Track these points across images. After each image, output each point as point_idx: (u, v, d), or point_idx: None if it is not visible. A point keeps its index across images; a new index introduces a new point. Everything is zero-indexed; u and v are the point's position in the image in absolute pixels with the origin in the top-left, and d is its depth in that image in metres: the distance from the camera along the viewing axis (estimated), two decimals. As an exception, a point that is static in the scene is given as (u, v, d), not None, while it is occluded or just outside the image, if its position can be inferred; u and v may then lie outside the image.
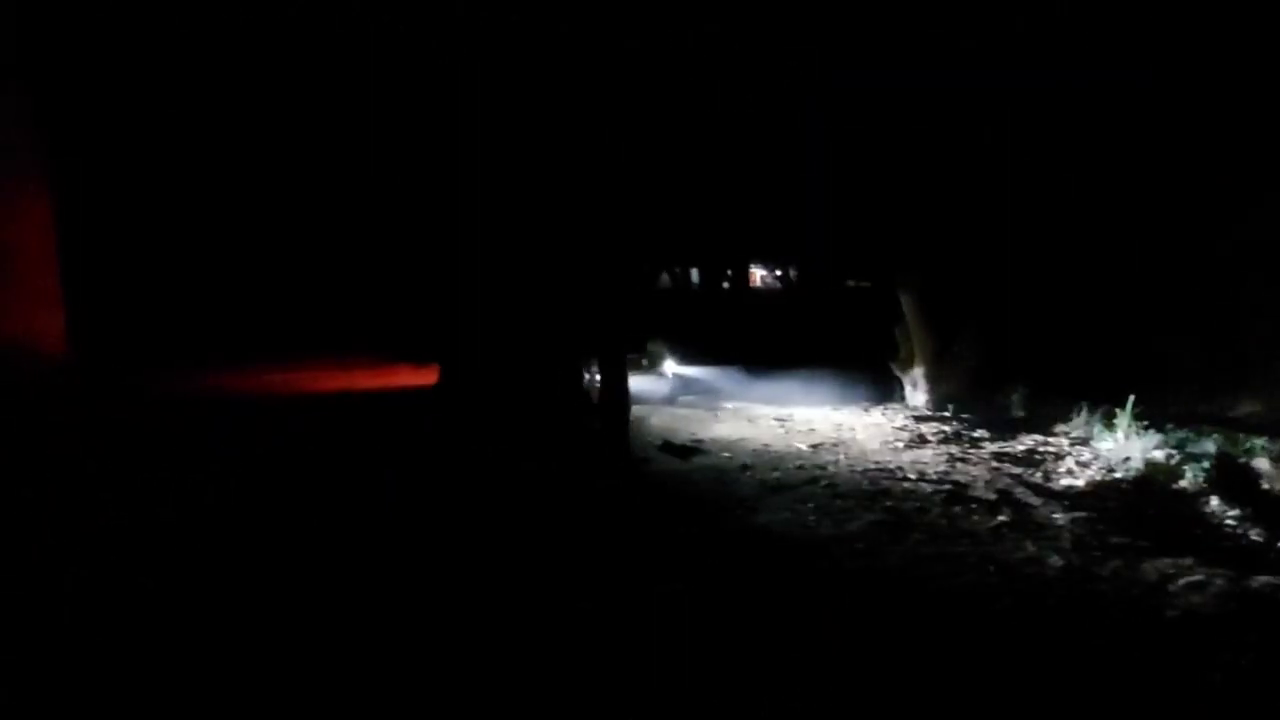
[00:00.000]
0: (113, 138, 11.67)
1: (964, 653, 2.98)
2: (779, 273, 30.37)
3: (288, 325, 14.39)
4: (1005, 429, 7.25)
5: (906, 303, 8.74)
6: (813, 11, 8.29)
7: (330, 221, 13.77)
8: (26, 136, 8.72)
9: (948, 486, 5.30)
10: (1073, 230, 8.67)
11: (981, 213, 8.46)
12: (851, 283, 25.41)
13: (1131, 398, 6.50)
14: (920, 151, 8.67)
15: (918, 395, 8.65)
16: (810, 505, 4.98)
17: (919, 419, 7.80)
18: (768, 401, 8.93)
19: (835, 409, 8.45)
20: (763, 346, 12.80)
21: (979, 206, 8.42)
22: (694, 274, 17.35)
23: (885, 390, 9.27)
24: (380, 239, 12.94)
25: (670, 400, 9.11)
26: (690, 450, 6.61)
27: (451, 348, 11.46)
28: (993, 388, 8.15)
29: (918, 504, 4.94)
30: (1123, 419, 6.49)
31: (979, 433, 7.12)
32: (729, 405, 8.83)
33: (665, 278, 16.66)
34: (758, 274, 22.81)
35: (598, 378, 6.94)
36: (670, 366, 10.57)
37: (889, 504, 4.97)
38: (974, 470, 5.76)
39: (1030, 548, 4.11)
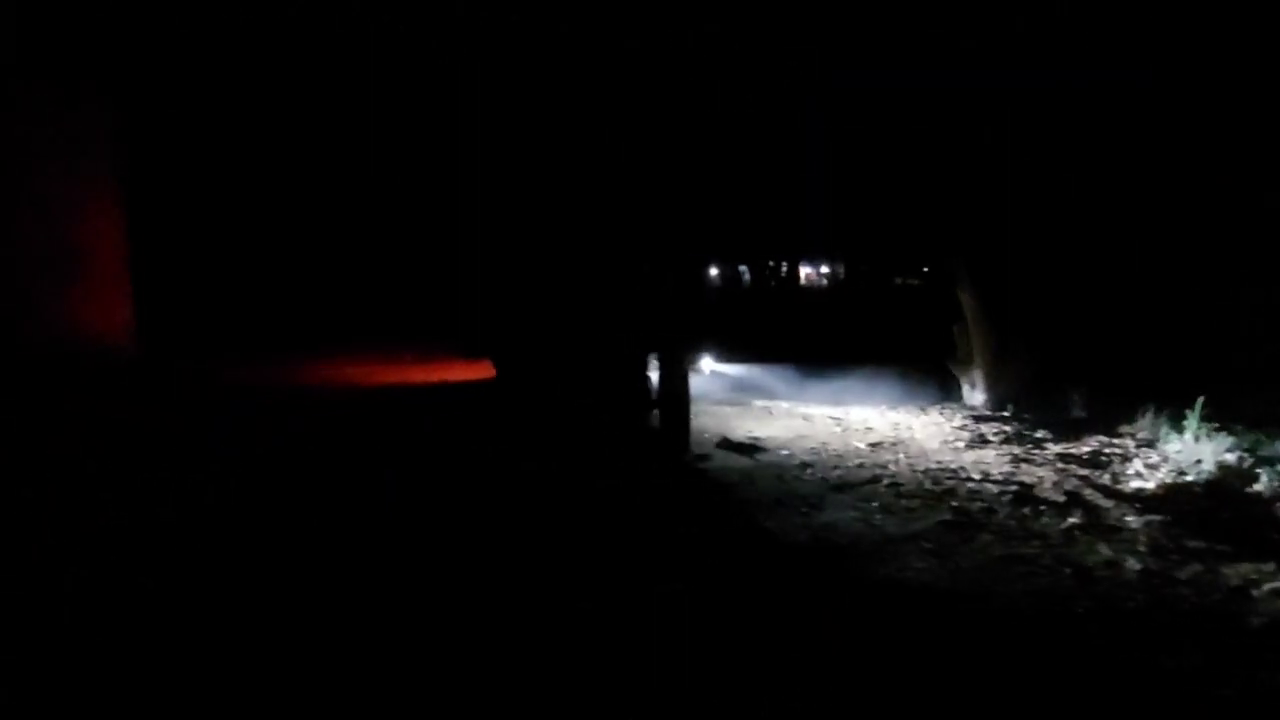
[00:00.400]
0: (175, 146, 12.05)
1: (1050, 657, 2.96)
2: (824, 269, 30.20)
3: (341, 320, 14.64)
4: (1067, 430, 7.13)
5: (965, 301, 8.63)
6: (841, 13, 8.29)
7: (387, 220, 14.02)
8: (104, 146, 9.04)
9: (1014, 487, 5.24)
10: (1136, 228, 8.51)
11: (1042, 211, 8.34)
12: (899, 280, 25.17)
13: (1201, 399, 6.37)
14: (977, 150, 8.58)
15: (975, 395, 8.54)
16: (875, 504, 4.97)
17: (978, 419, 7.72)
18: (821, 400, 8.88)
19: (891, 408, 8.38)
20: (813, 344, 12.75)
21: (1039, 205, 8.30)
22: (743, 271, 17.31)
23: (941, 389, 9.16)
24: (439, 236, 13.15)
25: (721, 399, 9.11)
26: (749, 448, 6.63)
27: (506, 343, 11.60)
28: (1053, 388, 8.02)
29: (984, 504, 4.90)
30: (1191, 421, 6.35)
31: (1040, 433, 7.02)
32: (782, 404, 8.80)
33: (714, 275, 16.68)
34: (804, 271, 22.72)
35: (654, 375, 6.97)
36: (708, 364, 10.48)
37: (955, 504, 4.93)
38: (1039, 471, 5.69)
39: (1105, 551, 4.06)
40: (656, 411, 6.98)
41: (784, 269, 17.20)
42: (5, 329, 7.40)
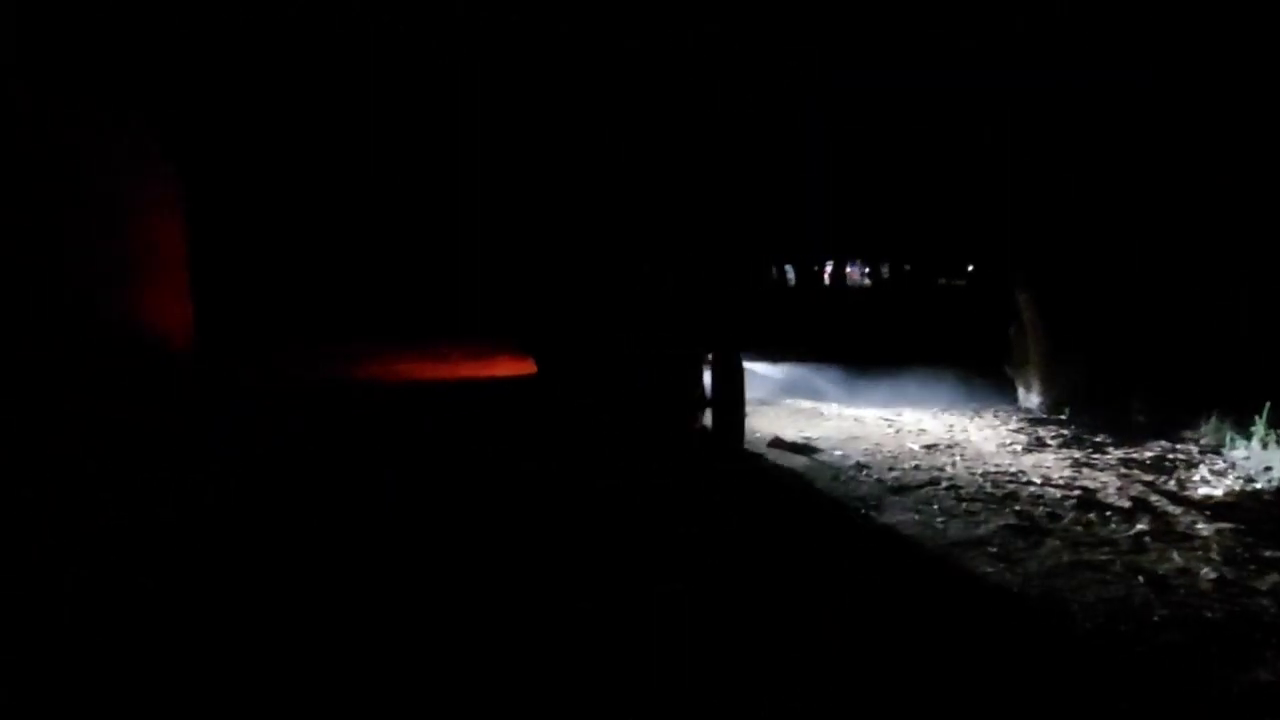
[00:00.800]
0: (226, 150, 12.40)
1: (1129, 665, 2.92)
2: (867, 269, 29.89)
3: (388, 317, 14.86)
4: (1128, 434, 7.00)
5: (1022, 302, 8.50)
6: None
7: (436, 219, 14.20)
8: (158, 152, 9.35)
9: (1077, 492, 5.16)
10: (1195, 228, 8.31)
11: (1099, 210, 8.18)
12: (943, 280, 24.81)
13: (1268, 405, 6.22)
14: (1035, 149, 8.44)
15: (1031, 398, 8.41)
16: (935, 507, 4.92)
17: (1034, 421, 7.61)
18: (871, 402, 8.83)
19: (943, 410, 8.29)
20: (860, 345, 12.65)
21: (1098, 205, 8.14)
22: (788, 270, 17.23)
23: (994, 392, 9.03)
24: (487, 235, 13.29)
25: (769, 399, 9.09)
26: (802, 448, 6.60)
27: (549, 341, 11.71)
28: (1112, 391, 7.86)
29: (1048, 509, 4.83)
30: (1259, 427, 6.21)
31: (1100, 437, 6.90)
32: (832, 405, 8.76)
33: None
34: (848, 271, 22.52)
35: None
36: (754, 364, 10.42)
37: (1017, 508, 4.87)
38: (1102, 476, 5.59)
39: (1177, 558, 3.98)
40: (708, 411, 7.00)
41: (829, 268, 17.07)
42: (72, 326, 7.68)
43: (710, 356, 6.52)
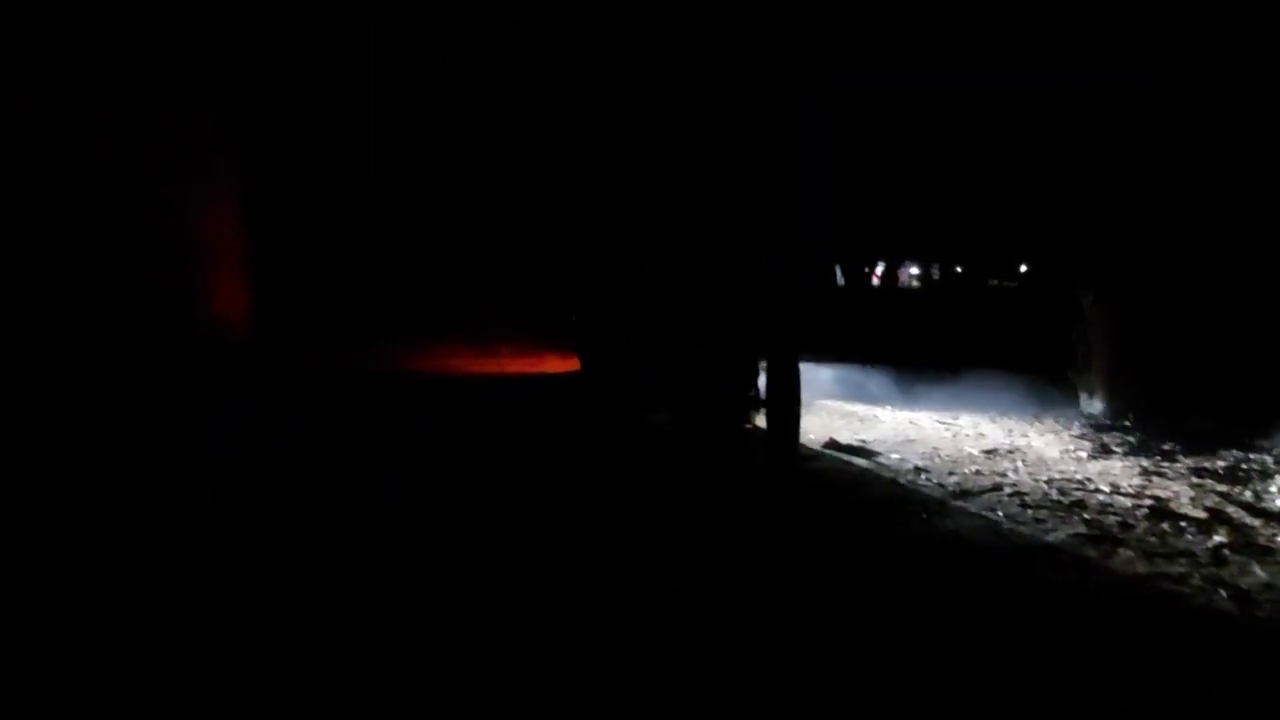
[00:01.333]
0: (283, 157, 12.77)
1: (1218, 682, 2.80)
2: (916, 270, 29.40)
3: (438, 314, 15.05)
4: (1197, 442, 6.75)
5: (1087, 306, 8.28)
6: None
7: (482, 218, 14.39)
8: (222, 155, 9.81)
9: (1148, 501, 5.00)
10: (1270, 230, 8.02)
11: (1170, 211, 7.93)
12: (994, 281, 24.29)
13: (1350, 415, 5.97)
14: (1101, 147, 8.22)
15: (1093, 403, 8.18)
16: (999, 513, 4.81)
17: (1097, 428, 7.40)
18: (926, 405, 8.69)
19: (1001, 414, 8.13)
20: (912, 347, 12.44)
21: (1167, 204, 7.90)
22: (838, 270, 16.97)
23: (1052, 397, 8.80)
24: (535, 231, 13.40)
25: (820, 400, 8.98)
26: (857, 450, 6.51)
27: (593, 339, 11.76)
28: (1180, 398, 7.62)
29: (1119, 518, 4.69)
30: (1339, 438, 5.97)
31: (1168, 445, 6.67)
32: (885, 407, 8.63)
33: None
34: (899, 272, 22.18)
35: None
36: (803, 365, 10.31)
37: (1086, 516, 4.73)
38: (1173, 485, 5.41)
39: (1260, 573, 3.82)
40: (762, 411, 6.93)
41: (880, 269, 16.81)
42: (146, 318, 8.06)
43: (766, 357, 6.43)
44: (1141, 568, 3.90)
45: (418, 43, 12.95)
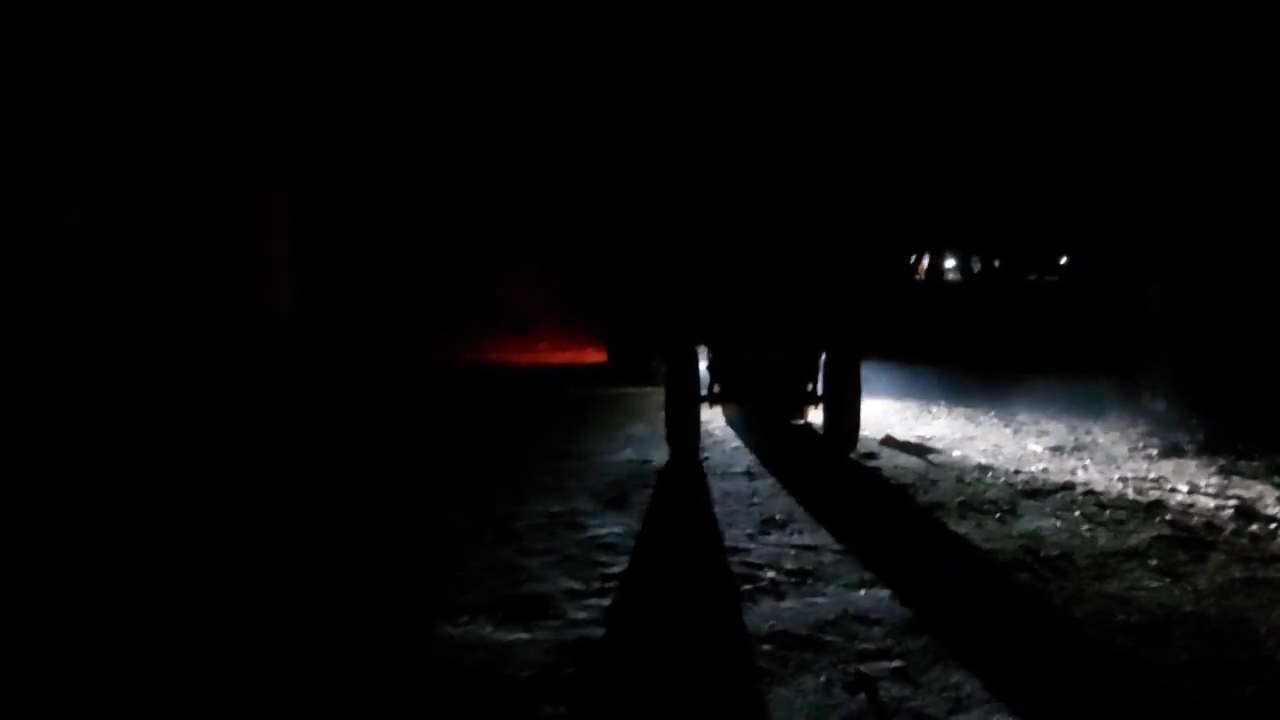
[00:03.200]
0: (328, 162, 13.10)
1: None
2: (953, 263, 28.94)
3: (480, 311, 15.09)
4: (1266, 441, 6.51)
5: (1152, 302, 8.03)
6: None
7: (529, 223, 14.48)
8: (274, 169, 10.30)
9: (1232, 502, 4.79)
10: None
11: (1234, 206, 7.66)
12: (1033, 276, 23.85)
13: None
14: (1168, 140, 7.96)
15: (1157, 400, 7.92)
16: (1076, 513, 4.63)
17: (1163, 424, 7.14)
18: (980, 401, 8.46)
19: (1061, 412, 7.86)
20: (963, 342, 12.21)
21: (1231, 201, 7.62)
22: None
23: (1112, 393, 8.53)
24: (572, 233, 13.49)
25: (871, 397, 8.79)
26: (916, 447, 6.35)
27: (617, 335, 11.80)
28: (1243, 394, 7.36)
29: (1203, 519, 4.49)
30: None
31: (1241, 444, 6.42)
32: (939, 403, 8.43)
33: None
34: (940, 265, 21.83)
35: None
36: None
37: (1168, 517, 4.54)
38: (1256, 485, 5.19)
39: (1365, 577, 3.63)
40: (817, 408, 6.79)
41: (923, 263, 16.56)
42: (209, 310, 8.56)
43: (826, 353, 6.29)
44: (1237, 572, 3.72)
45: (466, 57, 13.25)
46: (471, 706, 2.55)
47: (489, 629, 3.12)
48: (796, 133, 6.18)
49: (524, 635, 3.06)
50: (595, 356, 12.61)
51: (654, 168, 6.27)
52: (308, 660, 2.87)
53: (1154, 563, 3.84)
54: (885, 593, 3.46)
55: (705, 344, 6.08)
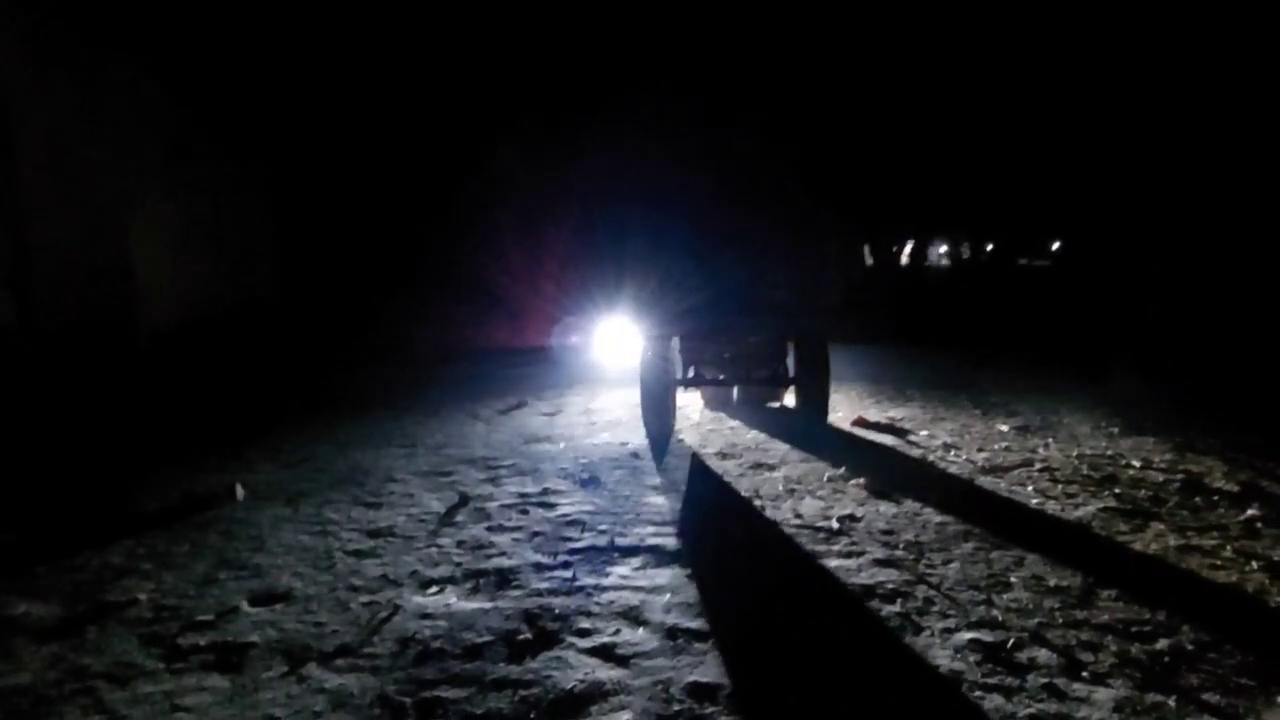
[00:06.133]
0: (308, 176, 13.59)
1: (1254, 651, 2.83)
2: (944, 248, 29.06)
3: (463, 294, 15.23)
4: (1227, 420, 6.69)
5: (1139, 288, 8.20)
6: None
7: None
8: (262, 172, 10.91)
9: (1180, 476, 4.98)
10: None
11: (1231, 198, 7.82)
12: (1023, 261, 23.97)
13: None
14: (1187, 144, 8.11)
15: (1131, 381, 8.09)
16: (1029, 488, 4.82)
17: (1130, 404, 7.31)
18: (954, 384, 8.63)
19: (1034, 392, 8.03)
20: (944, 327, 12.38)
21: (1228, 193, 7.79)
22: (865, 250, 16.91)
23: (1091, 376, 8.71)
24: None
25: (847, 380, 8.98)
26: (886, 427, 6.53)
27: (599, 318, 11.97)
28: (1215, 376, 7.55)
29: (1150, 493, 4.68)
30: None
31: (1201, 423, 6.61)
32: (914, 387, 8.60)
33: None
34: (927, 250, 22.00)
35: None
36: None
37: (1117, 490, 4.73)
38: (1208, 460, 5.37)
39: (1294, 544, 3.82)
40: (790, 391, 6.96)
41: (908, 248, 16.71)
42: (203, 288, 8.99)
43: (795, 337, 6.46)
44: (1172, 540, 3.90)
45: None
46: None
47: (453, 599, 3.31)
48: (768, 125, 6.33)
49: (487, 605, 3.25)
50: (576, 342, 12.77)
51: (627, 156, 6.40)
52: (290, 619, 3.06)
53: (1095, 533, 4.03)
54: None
55: (678, 329, 6.25)
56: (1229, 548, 3.81)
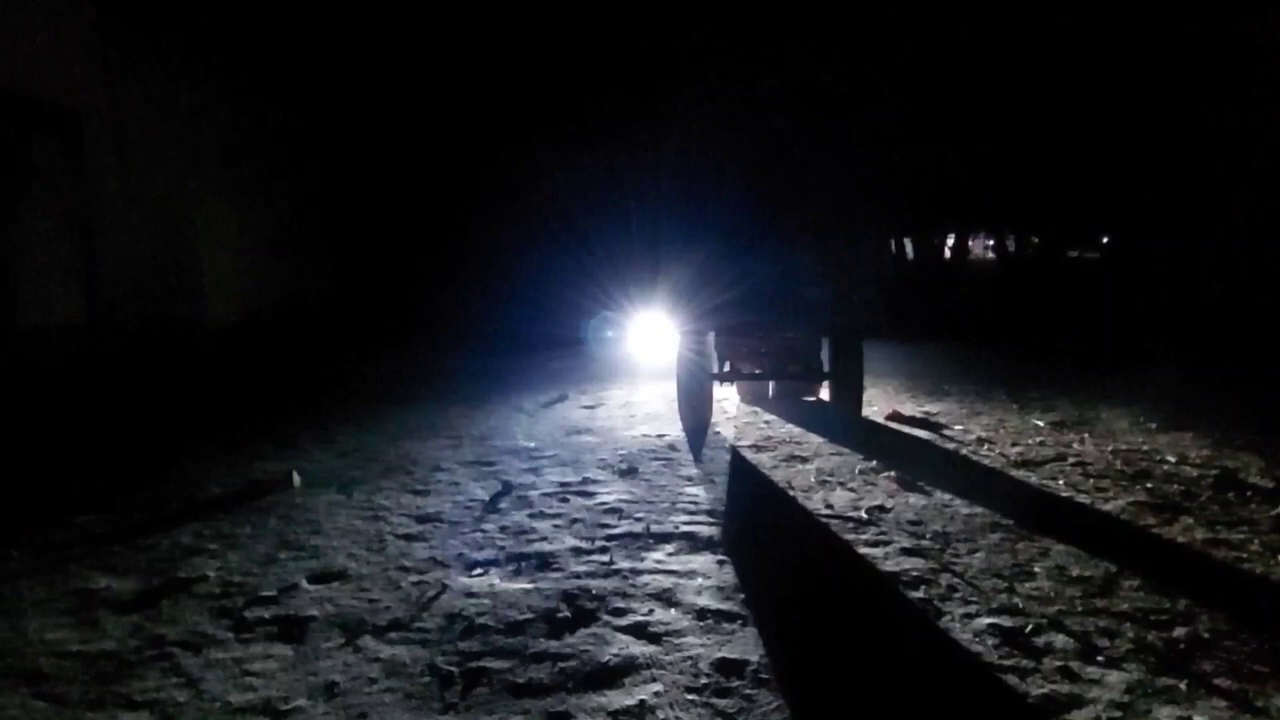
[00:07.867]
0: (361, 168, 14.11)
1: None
2: (990, 242, 28.58)
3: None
4: (1267, 415, 6.64)
5: (1189, 281, 8.12)
6: None
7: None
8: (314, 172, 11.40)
9: (1214, 471, 4.99)
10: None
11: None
12: (1074, 253, 23.48)
13: None
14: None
15: (1170, 375, 8.03)
16: (1060, 482, 4.88)
17: (1171, 400, 7.27)
18: (993, 380, 8.64)
19: (1073, 387, 8.01)
20: (984, 322, 12.32)
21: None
22: (906, 244, 16.82)
23: (1128, 369, 8.66)
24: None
25: (884, 375, 9.04)
26: (921, 422, 6.60)
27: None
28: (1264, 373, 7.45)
29: (1182, 488, 4.71)
30: None
31: (1238, 418, 6.56)
32: (951, 382, 8.63)
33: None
34: (970, 244, 21.72)
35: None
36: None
37: (1149, 485, 4.77)
38: (1244, 456, 5.36)
39: (1324, 540, 3.84)
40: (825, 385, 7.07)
41: (950, 242, 16.58)
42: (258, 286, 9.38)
43: (830, 334, 6.57)
44: (1200, 534, 3.96)
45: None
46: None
47: (497, 580, 3.51)
48: (803, 122, 6.43)
49: (529, 585, 3.44)
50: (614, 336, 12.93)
51: (660, 154, 6.55)
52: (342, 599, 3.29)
53: (1122, 525, 4.10)
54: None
55: (714, 325, 6.39)
56: (1257, 541, 3.85)
